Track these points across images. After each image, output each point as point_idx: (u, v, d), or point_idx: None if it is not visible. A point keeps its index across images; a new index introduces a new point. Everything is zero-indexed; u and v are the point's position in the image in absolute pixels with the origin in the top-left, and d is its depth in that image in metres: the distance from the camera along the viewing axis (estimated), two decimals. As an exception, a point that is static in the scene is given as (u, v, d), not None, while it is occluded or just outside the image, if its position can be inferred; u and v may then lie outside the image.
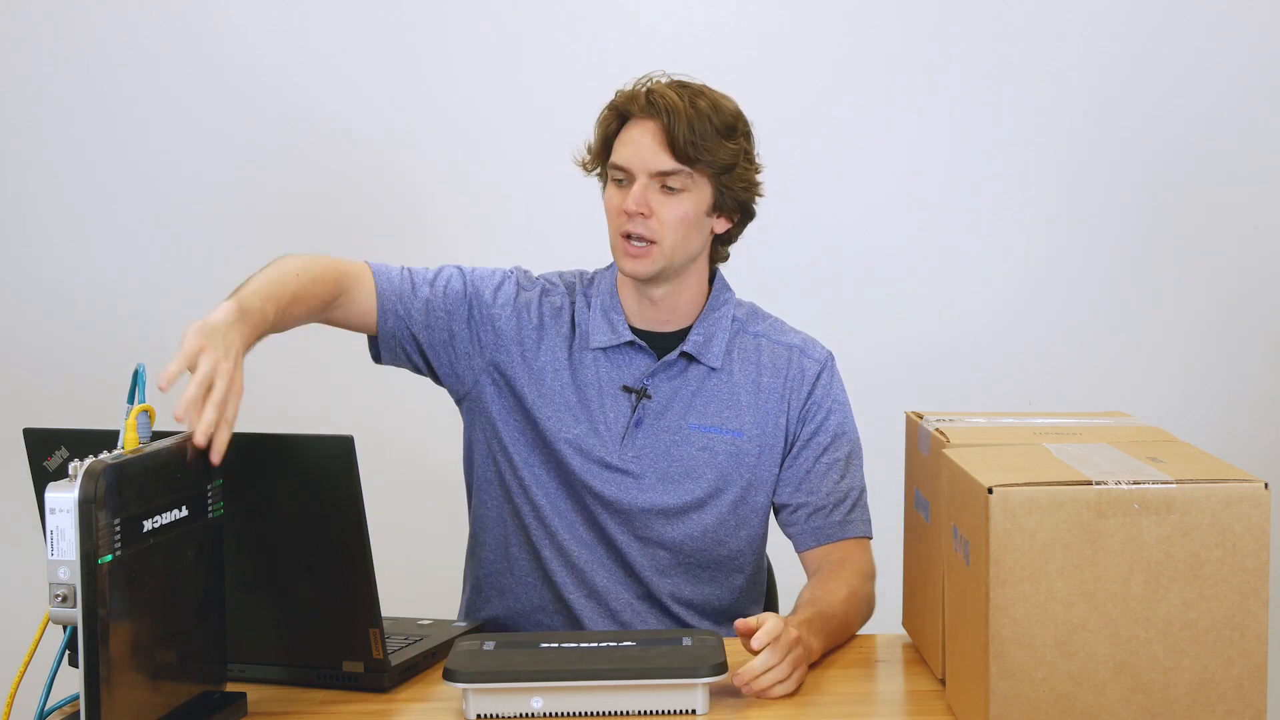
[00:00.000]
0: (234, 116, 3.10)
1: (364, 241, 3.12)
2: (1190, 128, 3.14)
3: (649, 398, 2.04)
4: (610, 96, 2.04)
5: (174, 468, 1.53)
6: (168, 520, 1.51)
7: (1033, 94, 3.14)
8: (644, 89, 2.00)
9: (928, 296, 3.17)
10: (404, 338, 2.03)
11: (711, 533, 2.06)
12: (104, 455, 1.45)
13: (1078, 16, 3.13)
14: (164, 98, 3.10)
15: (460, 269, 2.09)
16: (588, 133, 2.07)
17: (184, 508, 1.54)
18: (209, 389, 1.60)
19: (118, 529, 1.42)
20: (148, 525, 1.48)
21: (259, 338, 1.77)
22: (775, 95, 3.06)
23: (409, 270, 2.05)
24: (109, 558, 1.41)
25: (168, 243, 3.12)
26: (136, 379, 1.57)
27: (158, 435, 1.57)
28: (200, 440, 1.57)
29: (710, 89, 2.02)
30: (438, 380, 2.10)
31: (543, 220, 3.10)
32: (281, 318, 1.83)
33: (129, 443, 1.53)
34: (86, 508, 1.38)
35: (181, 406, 1.59)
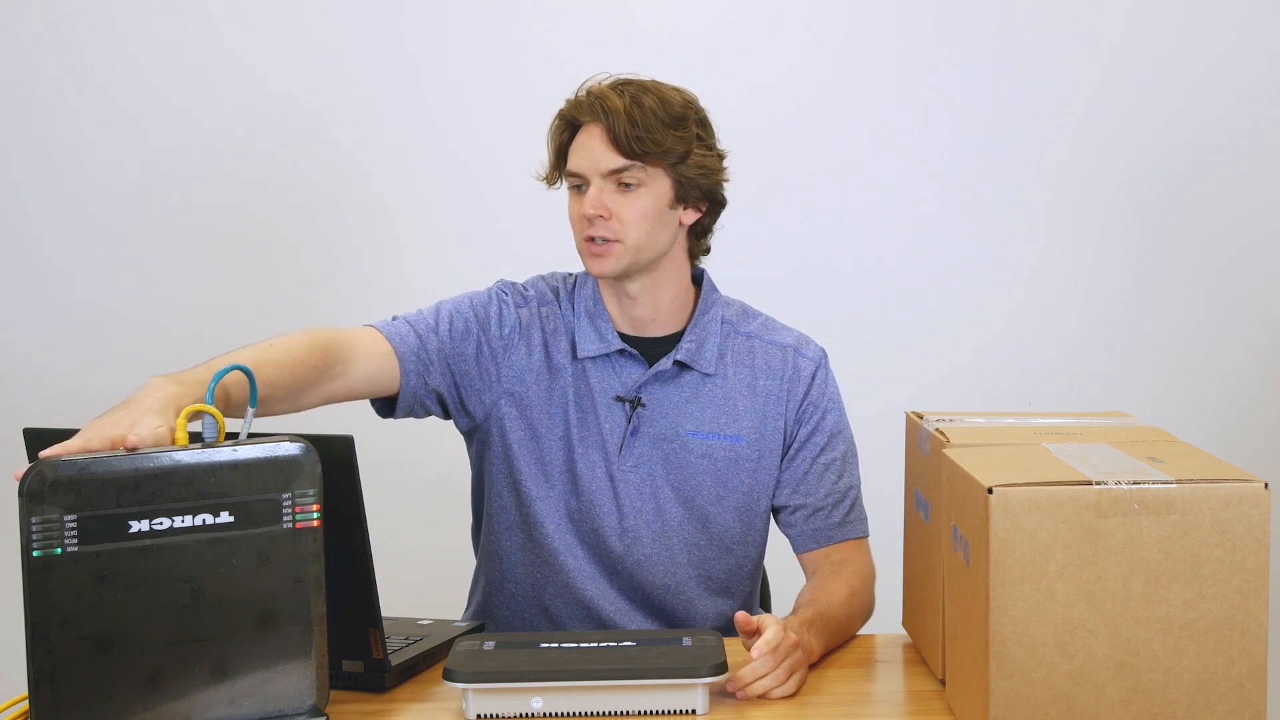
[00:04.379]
0: (234, 118, 3.11)
1: (364, 242, 3.14)
2: (1191, 128, 3.14)
3: (643, 406, 2.04)
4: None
5: (197, 472, 1.50)
6: (183, 524, 1.51)
7: (1032, 94, 3.14)
8: (584, 93, 2.00)
9: (928, 296, 3.17)
10: (425, 394, 1.98)
11: (718, 541, 2.06)
12: (56, 453, 1.46)
13: (1078, 17, 3.13)
14: (165, 101, 3.10)
15: (454, 303, 2.03)
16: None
17: (224, 513, 1.52)
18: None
19: (71, 524, 1.44)
20: (138, 526, 1.48)
21: (194, 400, 1.59)
22: (775, 95, 3.06)
23: (408, 321, 1.99)
24: (58, 551, 1.44)
25: (167, 243, 3.12)
26: (215, 378, 1.55)
27: (254, 435, 1.55)
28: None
29: (661, 83, 2.00)
30: (447, 418, 2.06)
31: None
32: (266, 380, 1.70)
33: (178, 441, 1.53)
34: (22, 502, 1.44)
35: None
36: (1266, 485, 1.46)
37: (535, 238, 3.08)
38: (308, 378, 1.82)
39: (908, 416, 1.92)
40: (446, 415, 2.05)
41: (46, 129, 3.11)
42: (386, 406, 2.01)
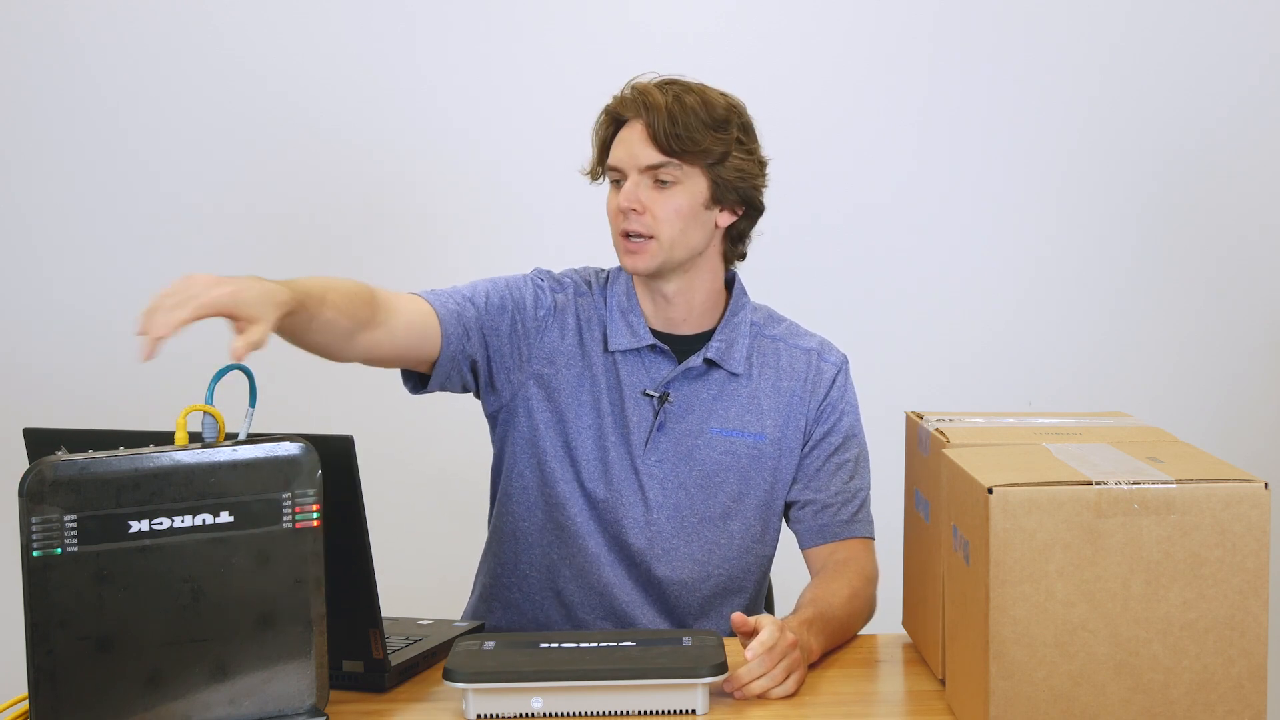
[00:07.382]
0: (234, 118, 3.10)
1: (365, 242, 3.14)
2: (1190, 128, 3.14)
3: (670, 402, 2.04)
4: (608, 98, 2.05)
5: (197, 472, 1.51)
6: (183, 524, 1.51)
7: (1033, 95, 3.14)
8: (629, 89, 2.02)
9: (928, 297, 3.17)
10: (462, 359, 1.98)
11: (739, 539, 2.07)
12: (62, 453, 1.47)
13: (1079, 17, 3.13)
14: (165, 100, 3.10)
15: (490, 282, 2.04)
16: (588, 133, 2.07)
17: (224, 513, 1.52)
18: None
19: (72, 524, 1.45)
20: (139, 526, 1.48)
21: (285, 308, 1.63)
22: (775, 95, 3.05)
23: (445, 291, 1.99)
24: (58, 551, 1.44)
25: (168, 243, 3.12)
26: (214, 378, 1.55)
27: (254, 435, 1.55)
28: (142, 345, 1.49)
29: (708, 87, 2.03)
30: (477, 395, 2.06)
31: (543, 220, 3.10)
32: (305, 301, 1.69)
33: (178, 441, 1.54)
34: (22, 502, 1.44)
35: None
36: (1266, 485, 1.46)
37: (535, 237, 3.09)
38: (360, 315, 1.82)
39: (908, 416, 1.92)
40: (476, 391, 2.05)
41: (47, 129, 3.11)
42: (420, 382, 2.00)
